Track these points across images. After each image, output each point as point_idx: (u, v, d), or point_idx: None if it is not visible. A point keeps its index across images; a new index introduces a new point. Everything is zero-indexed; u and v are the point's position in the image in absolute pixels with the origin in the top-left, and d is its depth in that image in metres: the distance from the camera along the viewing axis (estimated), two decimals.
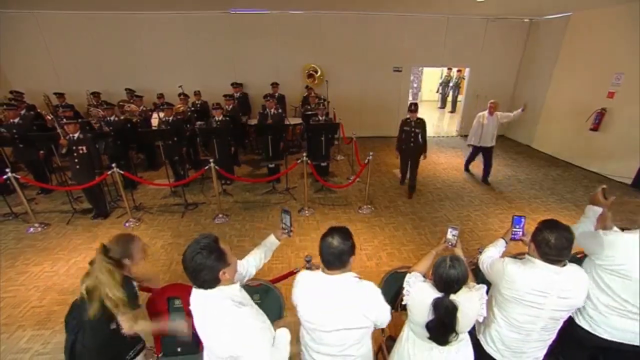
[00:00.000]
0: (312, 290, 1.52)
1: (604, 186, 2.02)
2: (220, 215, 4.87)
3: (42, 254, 4.09)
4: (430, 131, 9.65)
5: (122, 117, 5.88)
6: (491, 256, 1.87)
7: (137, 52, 7.93)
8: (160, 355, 2.23)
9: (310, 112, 6.86)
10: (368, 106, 8.83)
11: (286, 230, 1.92)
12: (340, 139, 7.59)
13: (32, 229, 4.64)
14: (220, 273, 1.32)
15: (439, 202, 5.34)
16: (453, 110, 11.43)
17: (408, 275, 1.68)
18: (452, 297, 1.49)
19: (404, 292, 1.65)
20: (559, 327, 1.67)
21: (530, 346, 1.68)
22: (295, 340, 1.58)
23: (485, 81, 8.80)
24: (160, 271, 3.68)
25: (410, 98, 14.23)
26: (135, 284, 1.82)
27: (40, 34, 7.55)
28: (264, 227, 4.60)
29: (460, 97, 10.77)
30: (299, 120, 7.68)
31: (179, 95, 6.83)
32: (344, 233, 1.48)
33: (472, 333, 1.84)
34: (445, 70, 12.09)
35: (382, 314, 1.51)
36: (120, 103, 6.65)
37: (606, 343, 1.79)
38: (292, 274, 2.66)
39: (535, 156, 7.75)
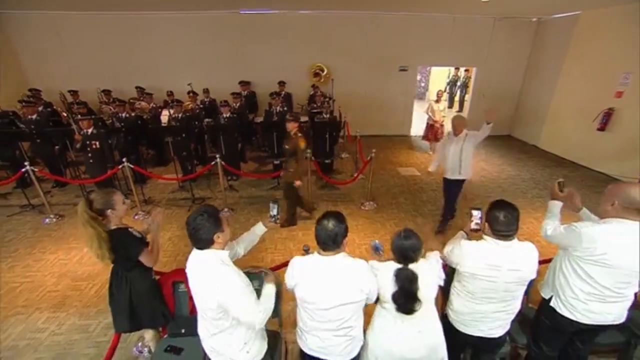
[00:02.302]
0: (310, 271, 1.64)
1: (560, 180, 2.11)
2: (226, 210, 5.02)
3: (57, 243, 4.30)
4: None
5: (133, 114, 6.08)
6: (452, 248, 1.95)
7: (148, 50, 8.16)
8: (165, 336, 2.38)
9: (315, 110, 6.96)
10: (374, 105, 8.91)
11: (273, 219, 2.07)
12: (345, 137, 7.68)
13: (47, 220, 4.86)
14: (215, 236, 1.55)
15: (441, 200, 5.38)
16: (460, 110, 11.40)
17: (371, 262, 1.79)
18: (412, 266, 1.65)
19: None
20: (517, 301, 1.81)
21: (490, 317, 1.83)
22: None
23: (492, 81, 8.79)
24: (167, 262, 3.84)
25: (415, 96, 14.28)
26: (132, 230, 2.04)
27: (56, 34, 7.84)
28: (268, 221, 4.72)
29: (468, 97, 10.73)
30: (305, 119, 7.78)
31: (188, 93, 7.01)
32: (338, 217, 1.62)
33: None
34: (452, 69, 12.05)
35: (374, 287, 1.66)
36: (131, 100, 6.85)
37: (584, 326, 1.89)
38: None
39: (541, 156, 7.72)
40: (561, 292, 1.92)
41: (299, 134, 4.20)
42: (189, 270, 1.62)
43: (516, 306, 1.82)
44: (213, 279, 1.51)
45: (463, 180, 4.15)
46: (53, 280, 3.61)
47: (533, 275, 1.71)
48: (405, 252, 1.65)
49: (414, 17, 8.04)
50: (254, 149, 8.09)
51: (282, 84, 7.99)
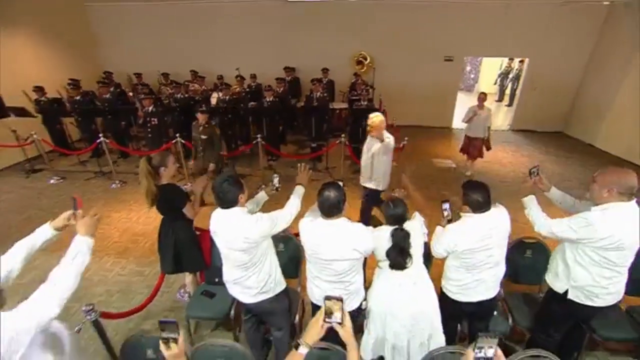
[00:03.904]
0: (315, 230, 1.94)
1: (534, 168, 2.23)
2: (263, 186, 5.42)
3: (121, 205, 5.02)
4: None
5: (187, 95, 6.71)
6: (435, 241, 2.12)
7: (202, 37, 8.80)
8: (202, 283, 2.82)
9: (354, 98, 7.10)
10: (416, 95, 8.76)
11: (273, 189, 2.42)
12: None
13: (114, 185, 5.65)
14: (240, 197, 1.88)
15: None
16: (510, 104, 10.77)
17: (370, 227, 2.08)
18: (404, 226, 1.97)
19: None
20: (504, 262, 2.06)
21: (488, 281, 2.04)
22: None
23: (546, 73, 8.15)
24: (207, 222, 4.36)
25: (463, 88, 13.65)
26: (181, 185, 2.56)
27: (125, 23, 8.81)
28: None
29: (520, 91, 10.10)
30: (344, 105, 7.96)
31: (236, 77, 7.49)
32: (336, 186, 1.88)
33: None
34: (505, 60, 11.36)
35: (368, 246, 1.93)
36: (186, 82, 7.50)
37: (596, 310, 1.99)
38: None
39: (596, 156, 7.13)
40: (581, 284, 1.94)
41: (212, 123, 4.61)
42: (216, 226, 1.93)
43: (504, 267, 2.09)
44: (244, 225, 1.85)
45: (378, 192, 3.66)
46: (117, 233, 4.29)
47: (509, 229, 1.99)
48: (397, 217, 1.97)
49: (461, 4, 7.72)
50: (295, 132, 8.42)
51: (325, 70, 8.19)
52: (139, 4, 8.46)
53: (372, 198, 3.81)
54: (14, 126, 5.80)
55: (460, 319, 2.34)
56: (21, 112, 5.86)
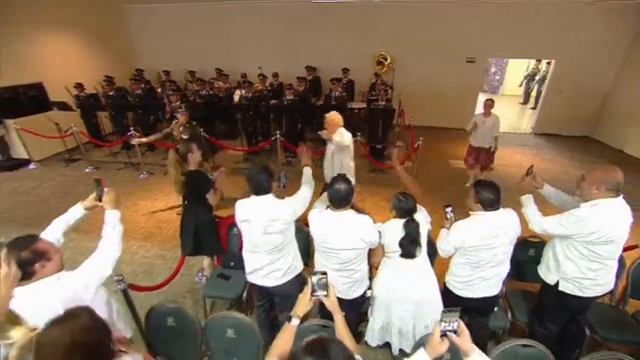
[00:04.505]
0: (324, 221, 2.07)
1: (530, 169, 2.32)
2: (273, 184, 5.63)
3: (147, 194, 5.37)
4: (505, 127, 9.13)
5: (211, 92, 7.03)
6: (441, 241, 2.22)
7: (227, 36, 9.16)
8: (219, 266, 3.03)
9: (372, 98, 7.19)
10: (435, 96, 8.71)
11: (280, 185, 2.54)
12: (400, 125, 7.77)
13: (141, 176, 6.03)
14: (272, 184, 2.09)
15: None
16: (535, 107, 10.45)
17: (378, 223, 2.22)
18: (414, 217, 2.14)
19: (380, 235, 2.17)
20: (508, 261, 2.13)
21: (491, 279, 2.12)
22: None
23: (573, 75, 7.85)
24: (225, 212, 4.59)
25: (487, 90, 13.37)
26: (208, 174, 2.77)
27: (156, 23, 9.32)
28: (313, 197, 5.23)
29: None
30: (363, 105, 8.05)
31: (259, 75, 7.76)
32: (346, 179, 2.01)
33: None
34: (532, 62, 11.04)
35: (373, 237, 2.05)
36: (211, 80, 7.84)
37: (588, 301, 2.08)
38: None
39: (626, 163, 6.82)
40: (570, 276, 2.05)
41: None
42: (250, 214, 2.08)
43: (508, 266, 2.16)
44: (281, 208, 2.08)
45: None
46: (143, 219, 4.61)
47: (519, 233, 2.05)
48: (408, 210, 2.11)
49: (486, 4, 7.62)
50: (313, 130, 8.59)
51: (345, 70, 8.31)
52: (170, 5, 8.93)
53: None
54: (56, 119, 6.34)
55: (462, 314, 2.41)
56: (63, 106, 6.40)
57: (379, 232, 2.13)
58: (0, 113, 6.20)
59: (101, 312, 1.54)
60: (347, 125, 3.97)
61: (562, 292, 2.09)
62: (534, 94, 11.04)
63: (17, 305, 1.27)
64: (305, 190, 2.28)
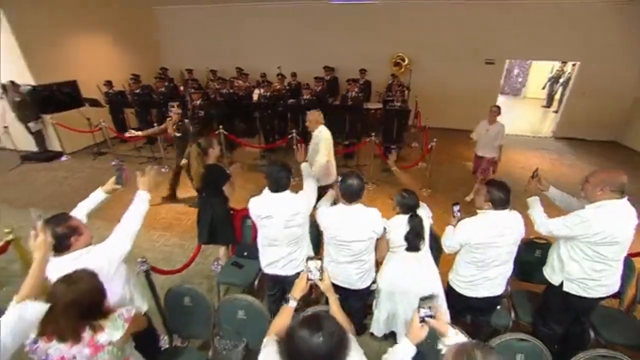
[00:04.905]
0: (338, 216, 2.19)
1: (535, 172, 2.38)
2: (297, 178, 5.78)
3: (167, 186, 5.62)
4: (524, 130, 8.97)
5: (231, 91, 7.26)
6: (446, 238, 2.29)
7: (248, 37, 9.43)
8: (233, 255, 3.20)
9: (388, 98, 7.23)
10: (452, 98, 8.61)
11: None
12: (416, 126, 7.76)
13: (163, 169, 6.31)
14: (291, 181, 2.22)
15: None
16: (558, 110, 10.16)
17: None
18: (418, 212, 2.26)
19: (386, 230, 2.27)
20: (512, 262, 2.17)
21: (495, 279, 2.17)
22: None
23: (600, 78, 7.58)
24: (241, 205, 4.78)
25: (509, 92, 13.07)
26: (225, 167, 2.93)
27: (180, 23, 9.70)
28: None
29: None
30: (379, 105, 8.10)
31: (277, 75, 7.94)
32: (358, 175, 2.12)
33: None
34: (557, 64, 10.73)
35: (380, 228, 2.20)
36: (231, 79, 8.09)
37: (593, 302, 2.10)
38: None
39: None
40: (574, 276, 2.07)
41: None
42: (271, 210, 2.18)
43: (511, 266, 2.18)
44: (300, 202, 2.23)
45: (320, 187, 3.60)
46: (164, 211, 4.88)
47: (523, 234, 2.08)
48: (412, 207, 2.24)
49: (504, 5, 7.51)
50: (329, 129, 8.69)
51: (363, 71, 8.36)
52: (195, 6, 9.28)
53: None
54: (88, 114, 6.75)
55: (465, 313, 2.48)
56: (94, 102, 6.80)
57: (384, 227, 2.24)
58: (39, 109, 6.66)
59: (119, 286, 1.77)
60: (364, 126, 4.10)
61: (567, 293, 2.12)
62: (557, 97, 10.72)
63: (57, 273, 1.45)
64: (311, 183, 2.45)
